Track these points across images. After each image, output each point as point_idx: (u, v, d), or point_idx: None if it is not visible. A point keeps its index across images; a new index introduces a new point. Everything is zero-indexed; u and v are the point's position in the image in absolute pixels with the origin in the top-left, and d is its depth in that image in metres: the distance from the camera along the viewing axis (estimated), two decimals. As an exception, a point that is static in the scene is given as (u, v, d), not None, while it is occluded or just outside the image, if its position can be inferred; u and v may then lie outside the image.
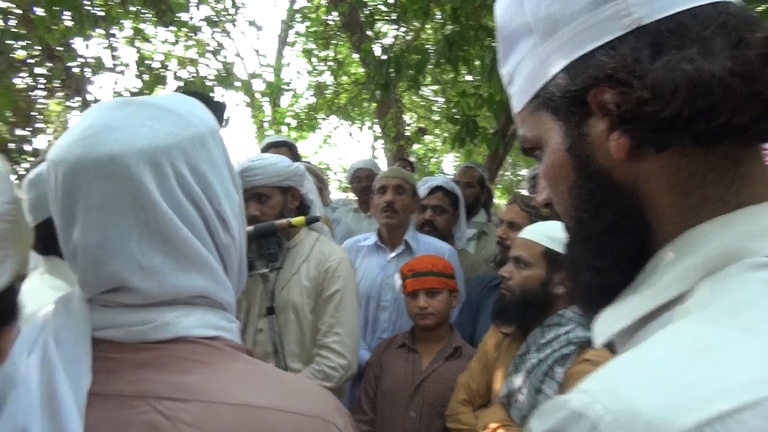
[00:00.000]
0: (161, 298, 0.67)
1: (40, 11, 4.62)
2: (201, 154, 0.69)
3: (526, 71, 0.61)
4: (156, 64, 6.87)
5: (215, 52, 7.19)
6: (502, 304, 1.82)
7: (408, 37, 7.00)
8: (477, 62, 4.26)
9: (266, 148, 3.20)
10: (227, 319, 0.73)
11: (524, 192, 3.88)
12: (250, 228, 1.76)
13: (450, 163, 13.46)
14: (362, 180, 4.04)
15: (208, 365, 0.65)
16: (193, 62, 7.15)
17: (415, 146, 10.81)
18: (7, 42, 5.19)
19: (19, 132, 7.34)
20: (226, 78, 6.76)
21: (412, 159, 8.06)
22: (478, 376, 1.89)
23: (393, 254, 2.61)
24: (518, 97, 0.63)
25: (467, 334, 2.31)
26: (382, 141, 9.61)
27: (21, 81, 6.86)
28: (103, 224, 0.64)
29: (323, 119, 10.04)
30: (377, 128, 10.38)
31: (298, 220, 1.81)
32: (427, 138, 11.76)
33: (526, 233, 1.82)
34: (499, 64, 0.67)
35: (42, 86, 7.21)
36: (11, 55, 6.07)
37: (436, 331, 2.18)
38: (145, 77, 6.56)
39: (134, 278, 0.65)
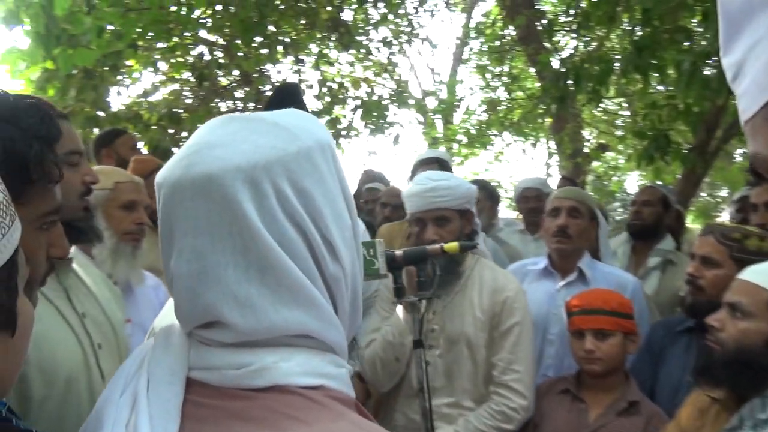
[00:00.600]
0: (258, 335, 0.59)
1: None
2: (307, 170, 0.61)
3: (764, 59, 0.42)
4: (335, 86, 7.27)
5: (390, 72, 7.40)
6: (708, 359, 1.47)
7: (590, 48, 6.56)
8: (671, 70, 3.81)
9: (419, 165, 3.12)
10: (336, 364, 0.63)
11: (722, 218, 3.30)
12: (399, 252, 1.64)
13: (634, 183, 12.37)
14: (530, 200, 3.79)
15: (305, 425, 0.55)
16: (368, 81, 7.42)
17: (595, 164, 10.11)
18: (213, 71, 5.83)
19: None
20: (400, 96, 6.91)
21: (590, 177, 7.50)
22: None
23: (563, 282, 2.36)
24: (749, 97, 0.45)
25: (646, 386, 1.97)
26: (558, 158, 9.13)
27: (224, 105, 7.73)
28: (198, 250, 0.59)
29: (495, 135, 9.84)
30: (553, 144, 9.90)
31: (452, 246, 1.67)
32: (609, 155, 10.94)
33: (748, 275, 1.47)
34: (722, 53, 0.48)
35: (240, 109, 8.04)
36: (216, 80, 6.85)
37: (607, 379, 1.89)
38: (327, 99, 6.98)
39: (229, 311, 0.58)
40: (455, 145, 9.01)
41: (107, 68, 4.27)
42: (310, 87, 7.16)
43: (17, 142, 0.78)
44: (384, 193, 3.83)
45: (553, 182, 5.11)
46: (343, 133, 7.36)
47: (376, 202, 3.86)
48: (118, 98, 5.95)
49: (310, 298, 0.60)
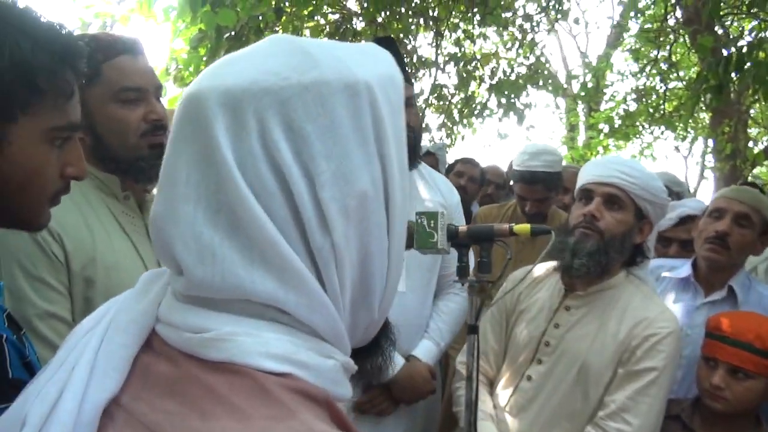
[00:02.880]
0: (216, 291, 0.49)
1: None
2: (312, 111, 0.49)
3: None
4: (473, 62, 7.01)
5: (525, 50, 6.97)
6: None
7: (764, 33, 5.71)
8: None
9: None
10: (320, 353, 0.51)
11: None
12: (463, 228, 1.48)
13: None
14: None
15: (243, 418, 0.44)
16: (508, 59, 7.07)
17: (757, 169, 8.94)
18: (348, 39, 5.86)
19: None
20: (535, 76, 6.51)
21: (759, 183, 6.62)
22: None
23: (707, 300, 2.02)
24: None
25: None
26: (713, 158, 8.18)
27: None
28: (172, 178, 0.51)
29: (644, 127, 9.04)
30: (712, 143, 8.88)
31: (523, 227, 1.46)
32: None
33: None
34: None
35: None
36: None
37: (730, 419, 1.58)
38: (463, 75, 6.76)
39: (186, 253, 0.49)
40: (601, 135, 8.40)
41: (252, 31, 4.41)
42: (448, 62, 6.99)
43: (25, 50, 0.77)
44: (488, 170, 3.66)
45: (707, 186, 4.52)
46: (476, 111, 7.12)
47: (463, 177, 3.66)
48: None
49: (287, 264, 0.49)
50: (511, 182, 3.25)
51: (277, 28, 5.11)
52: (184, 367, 0.49)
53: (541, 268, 1.86)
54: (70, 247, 1.20)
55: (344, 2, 5.75)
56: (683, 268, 2.11)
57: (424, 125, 6.29)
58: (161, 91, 1.40)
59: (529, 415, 1.69)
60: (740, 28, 6.26)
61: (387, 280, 0.56)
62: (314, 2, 4.15)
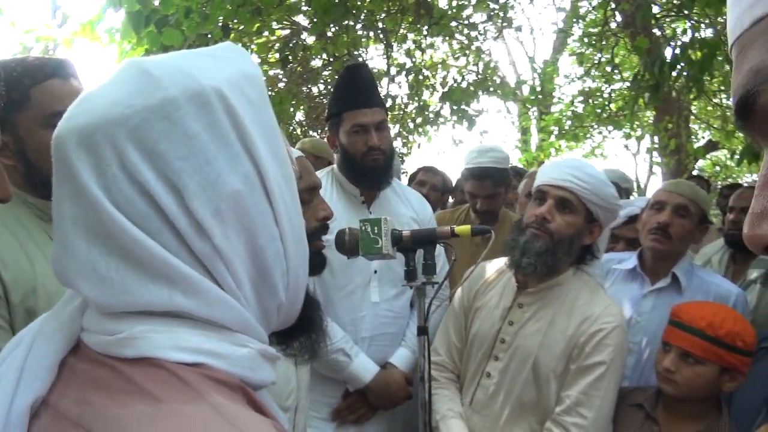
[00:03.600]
0: (119, 310, 0.53)
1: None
2: (162, 130, 0.52)
3: None
4: (424, 72, 7.11)
5: (476, 57, 7.12)
6: None
7: (699, 34, 5.99)
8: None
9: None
10: (233, 342, 0.55)
11: None
12: (407, 232, 1.55)
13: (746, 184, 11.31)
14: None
15: (155, 402, 0.48)
16: (457, 68, 7.21)
17: (701, 162, 9.32)
18: (298, 53, 5.87)
19: (312, 134, 8.39)
20: (484, 82, 6.65)
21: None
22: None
23: (654, 287, 2.11)
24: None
25: (748, 420, 1.66)
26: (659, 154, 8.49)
27: (315, 89, 7.81)
28: (60, 219, 0.55)
29: (593, 128, 9.31)
30: (657, 139, 9.22)
31: (463, 229, 1.53)
32: (718, 154, 10.05)
33: None
34: None
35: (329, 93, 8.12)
36: (307, 64, 6.91)
37: (689, 405, 1.62)
38: (415, 84, 6.84)
39: (85, 285, 0.53)
40: (552, 138, 8.61)
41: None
42: (399, 72, 7.08)
43: None
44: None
45: (656, 181, 4.68)
46: (430, 120, 7.22)
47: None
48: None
49: (173, 272, 0.53)
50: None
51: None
52: (107, 365, 0.52)
53: (495, 266, 1.91)
54: (8, 278, 1.16)
55: (293, 17, 5.77)
56: (630, 260, 2.21)
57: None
58: None
59: (492, 411, 1.74)
60: (675, 30, 6.54)
61: (287, 263, 0.59)
62: (262, 18, 4.15)
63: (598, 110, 8.08)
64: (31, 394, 0.52)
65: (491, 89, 6.96)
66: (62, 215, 0.55)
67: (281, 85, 6.72)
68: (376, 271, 2.04)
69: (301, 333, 0.72)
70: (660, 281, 2.10)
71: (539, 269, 1.68)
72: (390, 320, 2.05)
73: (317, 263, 1.29)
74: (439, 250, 2.05)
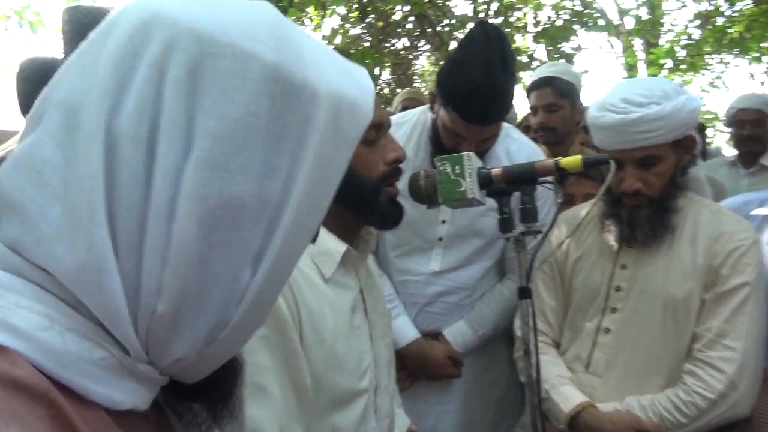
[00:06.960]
0: None
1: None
2: (233, 84, 0.43)
3: None
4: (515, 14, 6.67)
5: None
6: None
7: None
8: None
9: (530, 92, 2.50)
10: (87, 337, 0.41)
11: None
12: (498, 170, 1.24)
13: None
14: (746, 125, 3.04)
15: None
16: (550, 5, 6.68)
17: None
18: (377, 5, 5.68)
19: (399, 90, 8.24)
20: (583, 16, 6.11)
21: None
22: None
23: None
24: None
25: None
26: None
27: (399, 43, 7.59)
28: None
29: (711, 57, 8.34)
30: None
31: (572, 161, 1.20)
32: None
33: None
34: None
35: (416, 46, 7.85)
36: (387, 18, 6.71)
37: None
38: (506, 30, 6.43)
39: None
40: (664, 72, 7.80)
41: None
42: (487, 14, 6.68)
43: None
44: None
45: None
46: (524, 63, 6.78)
47: None
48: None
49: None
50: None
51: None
52: None
53: (584, 208, 1.68)
54: None
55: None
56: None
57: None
58: None
59: (616, 372, 1.51)
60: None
61: (236, 316, 0.46)
62: None
63: (718, 34, 7.18)
64: None
65: (590, 24, 6.39)
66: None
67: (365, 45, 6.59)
68: (441, 239, 1.82)
69: (206, 395, 0.54)
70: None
71: (658, 233, 1.46)
72: (450, 290, 1.85)
73: (391, 214, 1.09)
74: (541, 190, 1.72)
